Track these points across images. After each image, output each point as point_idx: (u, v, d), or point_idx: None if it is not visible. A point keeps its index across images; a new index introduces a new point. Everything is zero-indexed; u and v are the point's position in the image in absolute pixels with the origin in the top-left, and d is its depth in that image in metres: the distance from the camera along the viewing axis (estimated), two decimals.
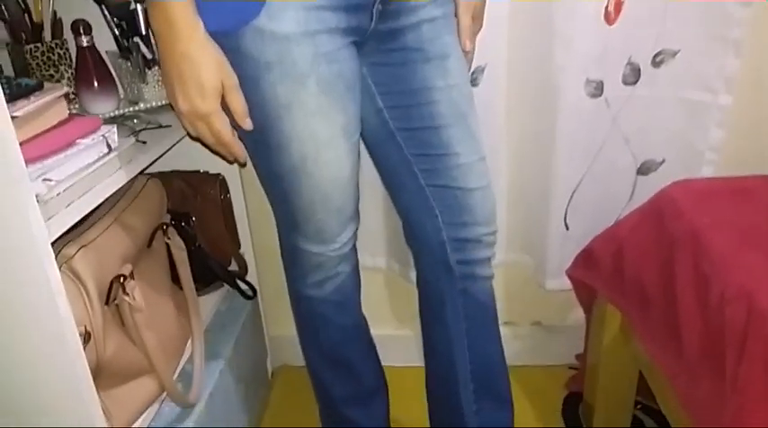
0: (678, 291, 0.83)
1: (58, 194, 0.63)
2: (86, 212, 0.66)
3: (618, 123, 1.10)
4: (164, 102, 0.96)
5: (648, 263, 0.92)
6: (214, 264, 1.02)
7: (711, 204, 0.90)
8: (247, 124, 0.72)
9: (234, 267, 1.16)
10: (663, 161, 1.13)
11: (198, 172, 1.08)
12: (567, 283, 1.19)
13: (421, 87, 0.79)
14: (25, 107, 0.62)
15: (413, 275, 1.21)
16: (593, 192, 1.14)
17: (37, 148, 0.62)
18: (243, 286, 1.16)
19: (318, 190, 0.79)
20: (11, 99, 0.61)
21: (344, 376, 0.98)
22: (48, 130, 0.66)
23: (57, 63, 0.95)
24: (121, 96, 0.98)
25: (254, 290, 1.17)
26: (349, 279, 0.93)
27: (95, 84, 0.93)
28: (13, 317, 0.63)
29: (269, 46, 0.68)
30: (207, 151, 1.09)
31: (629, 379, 1.10)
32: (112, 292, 0.74)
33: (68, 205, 0.65)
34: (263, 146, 0.75)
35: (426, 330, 0.94)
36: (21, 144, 0.57)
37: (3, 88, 0.55)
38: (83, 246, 0.70)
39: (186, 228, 0.96)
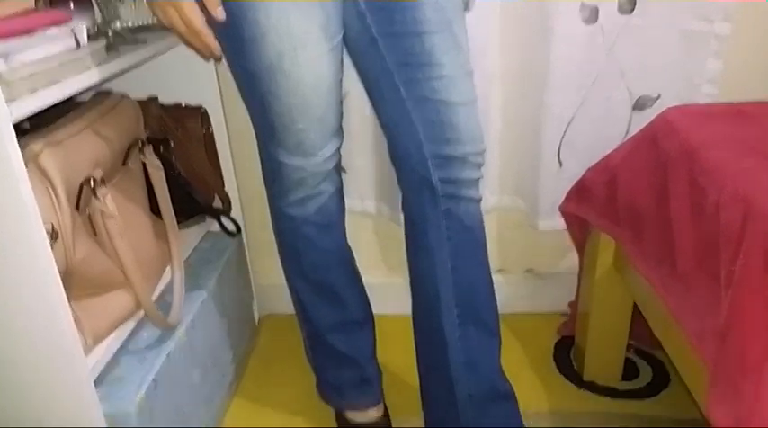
0: (672, 207, 0.81)
1: (20, 78, 0.60)
2: (52, 102, 0.63)
3: (613, 55, 1.07)
4: (141, 23, 0.93)
5: (642, 185, 0.89)
6: (195, 193, 0.99)
7: (708, 124, 0.87)
8: (219, 12, 0.69)
9: (218, 206, 1.13)
10: (659, 96, 1.10)
11: (179, 104, 1.05)
12: (560, 223, 1.16)
13: None
14: None
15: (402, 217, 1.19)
16: (588, 128, 1.11)
17: None
18: (227, 224, 1.13)
19: (297, 93, 0.76)
20: None
21: (329, 302, 0.96)
22: (11, 16, 0.62)
23: None
24: (98, 18, 0.95)
25: (239, 228, 1.14)
26: (332, 200, 0.90)
27: (71, 4, 0.90)
28: None
29: None
30: (187, 86, 1.07)
31: (622, 316, 1.08)
32: (83, 197, 0.71)
33: (33, 92, 0.62)
34: (237, 41, 0.72)
35: (410, 254, 0.91)
36: None
37: None
38: (50, 144, 0.67)
39: (165, 154, 0.93)
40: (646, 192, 0.88)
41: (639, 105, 1.12)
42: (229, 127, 1.13)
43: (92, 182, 0.71)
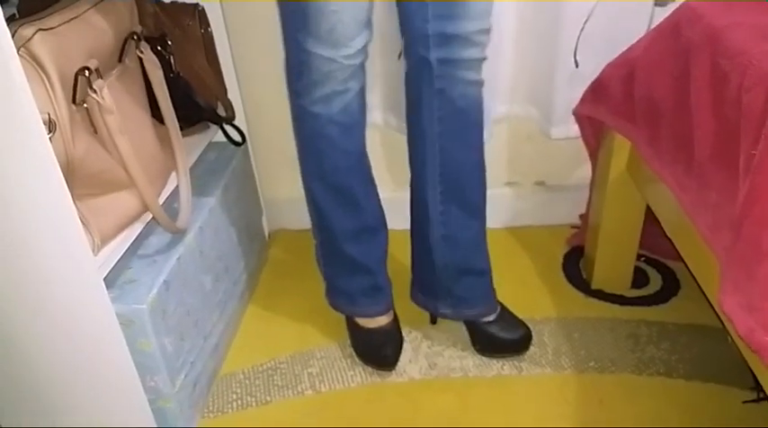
0: (692, 97, 0.77)
1: None
2: None
3: None
4: None
5: (662, 76, 0.85)
6: (197, 96, 0.96)
7: (732, 11, 0.82)
8: None
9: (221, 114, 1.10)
10: None
11: (174, 1, 1.00)
12: (574, 130, 1.13)
13: None
14: None
15: None
16: (607, 25, 1.05)
17: None
18: (232, 133, 1.10)
19: None
20: None
21: (346, 207, 0.96)
22: None
23: None
24: None
25: (244, 136, 1.12)
26: (356, 99, 0.88)
27: None
28: None
29: None
30: None
31: (633, 222, 1.07)
32: (79, 90, 0.69)
33: None
34: None
35: (408, 135, 0.95)
36: None
37: None
38: (41, 29, 0.64)
39: (162, 53, 0.90)
40: (665, 84, 0.84)
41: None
42: (230, 30, 1.08)
43: (87, 73, 0.68)
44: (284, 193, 1.35)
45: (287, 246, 1.33)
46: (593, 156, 1.11)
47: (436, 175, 0.91)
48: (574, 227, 1.29)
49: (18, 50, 0.62)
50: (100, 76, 0.70)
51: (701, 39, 0.78)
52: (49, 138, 0.63)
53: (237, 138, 1.11)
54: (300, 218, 1.39)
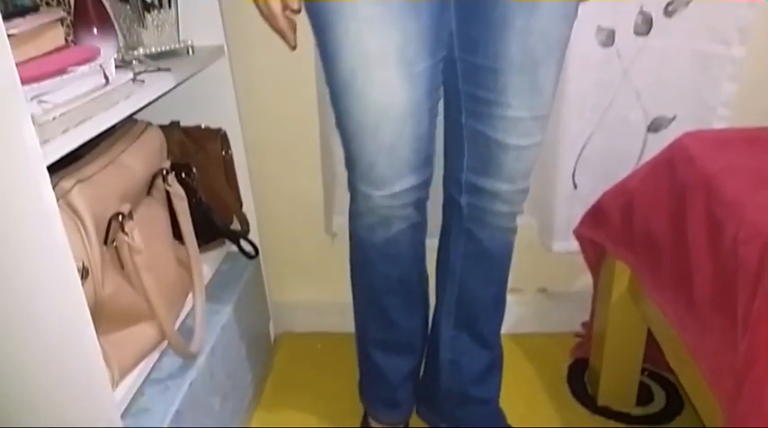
0: (689, 239, 0.81)
1: (53, 118, 0.60)
2: (83, 141, 0.64)
3: (629, 76, 1.07)
4: (163, 48, 0.94)
5: (659, 212, 0.90)
6: (216, 219, 0.99)
7: (724, 151, 0.87)
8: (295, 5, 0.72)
9: (236, 227, 1.14)
10: (674, 117, 1.11)
11: (199, 126, 1.06)
12: (575, 245, 1.17)
13: (496, 21, 0.72)
14: (21, 26, 0.59)
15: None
16: (603, 150, 1.12)
17: (32, 69, 0.60)
18: (246, 246, 1.13)
19: (367, 114, 0.74)
20: (6, 17, 0.58)
21: (379, 320, 0.95)
22: (43, 55, 0.63)
23: (54, 6, 0.93)
24: (120, 43, 0.96)
25: (257, 250, 1.14)
26: (404, 234, 0.86)
27: (94, 29, 0.91)
28: (7, 246, 0.61)
29: None
30: (207, 109, 1.08)
31: (637, 341, 1.08)
32: (111, 231, 0.72)
33: (65, 131, 0.62)
34: (323, 56, 0.74)
35: (438, 250, 0.97)
36: (16, 65, 0.55)
37: None
38: (80, 181, 0.68)
39: (187, 180, 0.94)
40: (663, 219, 0.89)
41: (654, 126, 1.12)
42: (247, 148, 1.13)
43: (120, 218, 0.72)
44: (291, 297, 1.36)
45: (292, 352, 1.33)
46: (595, 272, 1.14)
47: (452, 302, 0.94)
48: (577, 335, 1.31)
49: (57, 201, 0.65)
50: (131, 218, 0.74)
51: (695, 182, 0.83)
52: (81, 284, 0.66)
53: (250, 249, 1.14)
54: (306, 321, 1.40)
